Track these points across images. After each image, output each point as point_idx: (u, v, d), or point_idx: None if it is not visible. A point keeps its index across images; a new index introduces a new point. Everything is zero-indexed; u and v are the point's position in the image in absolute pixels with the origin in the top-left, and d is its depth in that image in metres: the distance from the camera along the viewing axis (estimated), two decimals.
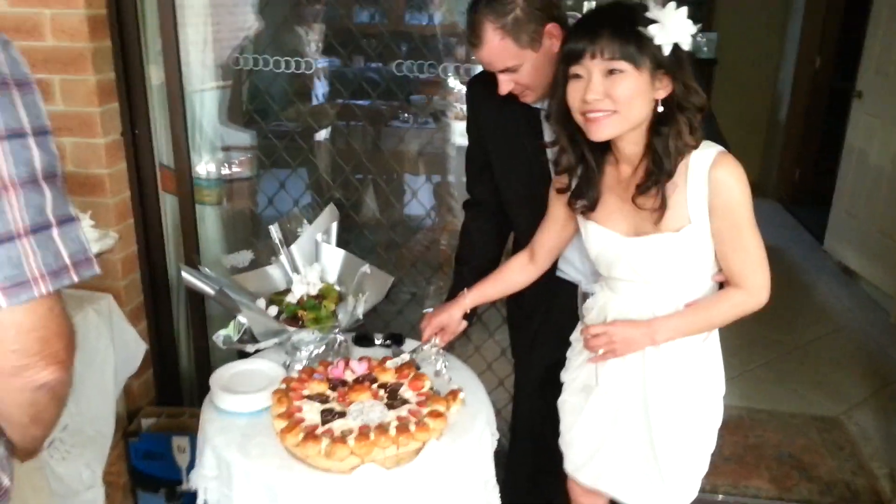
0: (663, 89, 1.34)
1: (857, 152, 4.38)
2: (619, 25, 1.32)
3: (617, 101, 1.32)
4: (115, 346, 2.09)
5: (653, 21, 1.30)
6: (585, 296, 1.53)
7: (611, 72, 1.31)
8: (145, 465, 2.27)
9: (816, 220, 5.05)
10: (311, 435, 1.48)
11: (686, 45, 1.33)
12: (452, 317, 1.74)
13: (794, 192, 5.79)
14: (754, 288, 1.43)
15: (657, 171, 1.37)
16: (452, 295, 1.82)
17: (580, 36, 1.35)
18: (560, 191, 1.53)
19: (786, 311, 3.98)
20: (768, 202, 5.87)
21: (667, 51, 1.31)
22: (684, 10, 1.31)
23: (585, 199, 1.48)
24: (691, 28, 1.31)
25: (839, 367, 3.41)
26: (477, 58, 1.58)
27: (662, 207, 1.37)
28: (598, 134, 1.37)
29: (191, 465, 2.21)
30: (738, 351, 3.47)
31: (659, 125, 1.36)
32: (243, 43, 2.59)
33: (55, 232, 0.82)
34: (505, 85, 1.57)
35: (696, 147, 1.38)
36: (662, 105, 1.35)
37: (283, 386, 1.66)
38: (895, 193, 3.95)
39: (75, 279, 0.84)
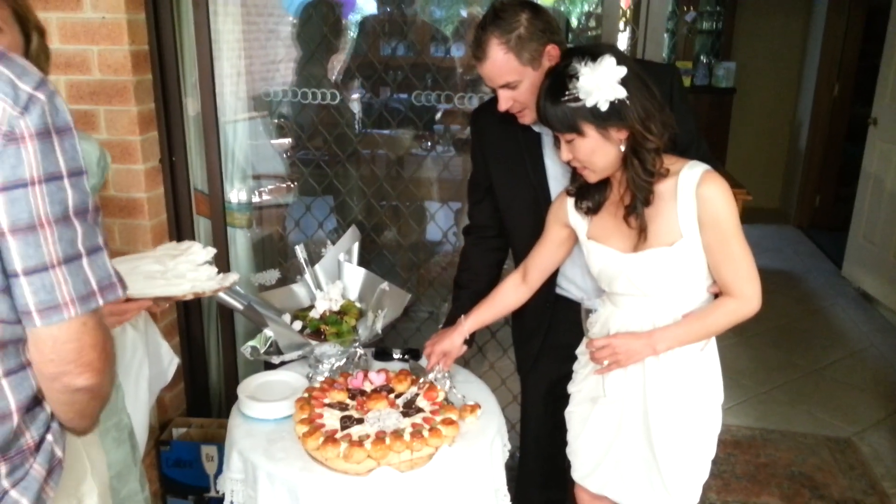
0: (620, 136, 1.46)
1: (874, 179, 4.42)
2: (554, 101, 1.46)
3: (580, 160, 1.50)
4: (149, 360, 2.22)
5: (576, 89, 1.42)
6: (588, 312, 1.62)
7: (568, 140, 1.48)
8: (175, 472, 2.38)
9: (836, 245, 5.09)
10: (330, 439, 1.59)
11: (619, 95, 1.42)
12: (454, 343, 1.83)
13: (815, 218, 5.83)
14: (745, 296, 1.51)
15: (634, 198, 1.50)
16: (451, 319, 1.90)
17: (537, 112, 1.52)
18: (570, 193, 1.64)
19: (803, 335, 4.02)
20: (789, 228, 5.92)
21: (604, 106, 1.43)
22: (603, 63, 1.41)
23: (591, 200, 1.60)
24: (616, 76, 1.41)
25: (854, 390, 3.44)
26: (480, 72, 1.68)
27: (643, 229, 1.50)
28: (588, 180, 1.56)
29: (218, 473, 2.32)
30: (753, 373, 3.52)
31: (625, 161, 1.49)
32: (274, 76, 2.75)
33: (84, 262, 0.93)
34: (504, 101, 1.67)
35: (664, 175, 1.49)
36: (625, 146, 1.47)
37: (306, 395, 1.78)
38: None
39: (101, 302, 0.95)
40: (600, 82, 1.41)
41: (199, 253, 1.48)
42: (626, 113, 1.43)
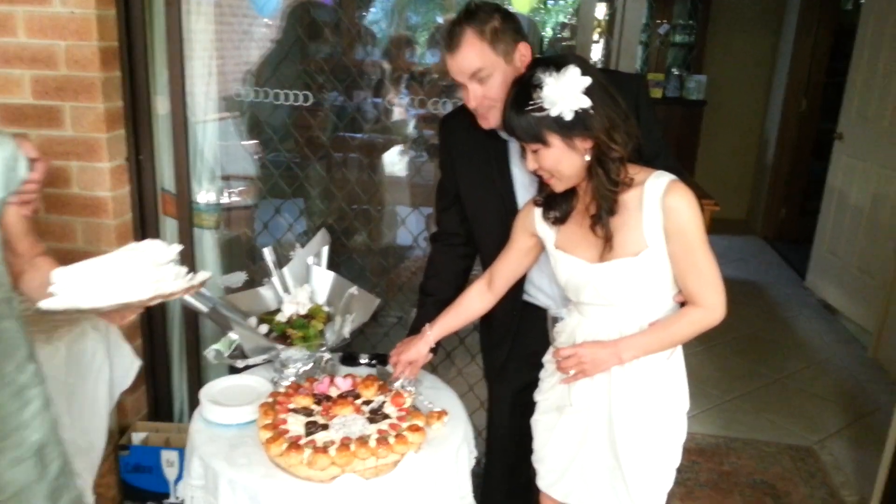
0: (585, 145, 1.47)
1: (838, 193, 4.51)
2: (518, 111, 1.47)
3: (546, 169, 1.51)
4: (110, 362, 2.18)
5: (540, 99, 1.43)
6: (555, 320, 1.63)
7: (534, 150, 1.49)
8: (134, 478, 2.34)
9: (800, 257, 5.18)
10: (294, 445, 1.56)
11: (583, 105, 1.43)
12: (420, 352, 1.83)
13: (780, 229, 5.94)
14: (710, 305, 1.52)
15: (600, 208, 1.51)
16: (416, 327, 1.89)
17: (503, 122, 1.53)
18: (537, 203, 1.64)
19: (767, 345, 4.08)
20: (754, 239, 6.02)
21: (568, 116, 1.43)
22: (567, 73, 1.41)
23: (558, 210, 1.60)
24: (581, 85, 1.42)
25: (816, 399, 3.49)
26: (451, 66, 1.66)
27: (608, 239, 1.51)
28: (554, 190, 1.56)
29: (178, 479, 2.30)
30: (717, 382, 3.56)
31: (590, 170, 1.50)
32: (245, 76, 2.72)
33: None
34: (474, 97, 1.65)
35: (628, 185, 1.50)
36: (590, 155, 1.48)
37: (270, 399, 1.75)
38: (874, 233, 4.07)
39: None
40: (564, 92, 1.42)
41: (161, 250, 1.34)
42: (590, 122, 1.44)
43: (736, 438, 3.09)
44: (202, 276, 1.40)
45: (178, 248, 1.38)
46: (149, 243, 1.36)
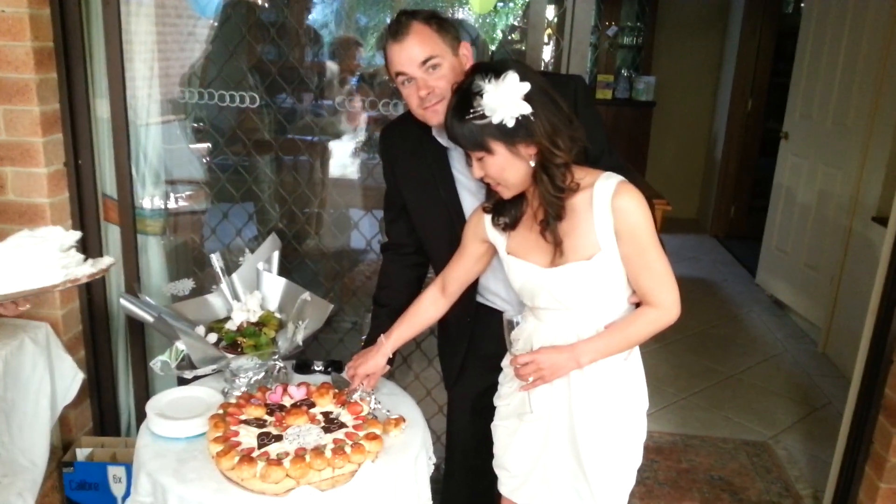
0: (529, 151, 1.45)
1: (785, 190, 4.61)
2: (460, 119, 1.44)
3: (492, 177, 1.49)
4: (52, 376, 2.09)
5: (481, 107, 1.41)
6: (511, 324, 1.60)
7: (478, 158, 1.46)
8: (80, 495, 2.24)
9: (750, 254, 5.29)
10: (246, 458, 1.51)
11: (524, 111, 1.41)
12: (377, 364, 1.79)
13: (730, 228, 6.07)
14: (665, 305, 1.52)
15: (547, 214, 1.49)
16: (372, 338, 1.85)
17: (446, 130, 1.50)
18: (486, 210, 1.62)
19: (719, 342, 4.14)
20: (706, 237, 6.13)
21: (510, 123, 1.41)
22: (506, 79, 1.39)
23: (508, 216, 1.58)
24: (520, 92, 1.40)
25: (769, 395, 3.55)
26: (397, 57, 1.61)
27: (558, 244, 1.49)
28: (503, 196, 1.54)
29: (126, 495, 2.21)
30: (673, 380, 3.60)
31: (535, 176, 1.48)
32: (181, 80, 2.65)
33: None
34: (424, 87, 1.61)
35: (574, 190, 1.48)
36: (534, 162, 1.46)
37: (221, 411, 1.69)
38: (821, 229, 4.17)
39: None
40: (504, 99, 1.39)
41: (63, 235, 1.35)
42: (532, 128, 1.41)
43: (693, 436, 3.12)
44: (106, 260, 1.42)
45: (77, 234, 1.39)
46: (49, 229, 1.36)
